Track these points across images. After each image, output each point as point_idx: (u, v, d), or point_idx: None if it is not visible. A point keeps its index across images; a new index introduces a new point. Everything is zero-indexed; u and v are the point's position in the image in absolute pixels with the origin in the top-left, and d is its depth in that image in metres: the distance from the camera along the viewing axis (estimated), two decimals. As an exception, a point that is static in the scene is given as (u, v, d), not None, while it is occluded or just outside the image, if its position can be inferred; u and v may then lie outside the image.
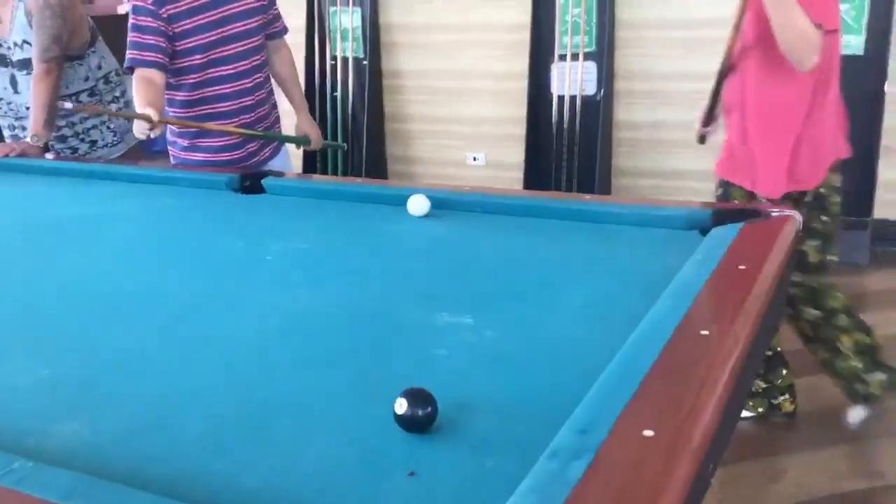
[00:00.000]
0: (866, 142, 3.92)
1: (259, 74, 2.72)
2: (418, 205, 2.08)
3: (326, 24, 5.10)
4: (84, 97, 3.15)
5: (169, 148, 2.80)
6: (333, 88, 5.12)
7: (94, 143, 3.20)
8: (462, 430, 1.05)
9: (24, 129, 3.11)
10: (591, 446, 0.87)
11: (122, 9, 6.86)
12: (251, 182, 2.40)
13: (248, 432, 1.06)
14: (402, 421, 1.06)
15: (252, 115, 2.69)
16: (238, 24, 2.60)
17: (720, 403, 1.00)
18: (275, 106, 2.85)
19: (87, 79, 3.14)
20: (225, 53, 2.59)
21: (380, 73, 5.04)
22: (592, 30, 4.48)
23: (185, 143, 2.72)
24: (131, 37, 2.50)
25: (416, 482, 0.93)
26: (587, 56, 4.50)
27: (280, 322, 1.45)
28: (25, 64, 3.03)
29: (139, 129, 2.34)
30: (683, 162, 4.39)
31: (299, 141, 2.91)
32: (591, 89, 4.53)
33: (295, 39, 5.24)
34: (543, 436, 0.95)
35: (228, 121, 2.63)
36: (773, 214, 1.74)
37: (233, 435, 1.06)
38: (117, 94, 3.25)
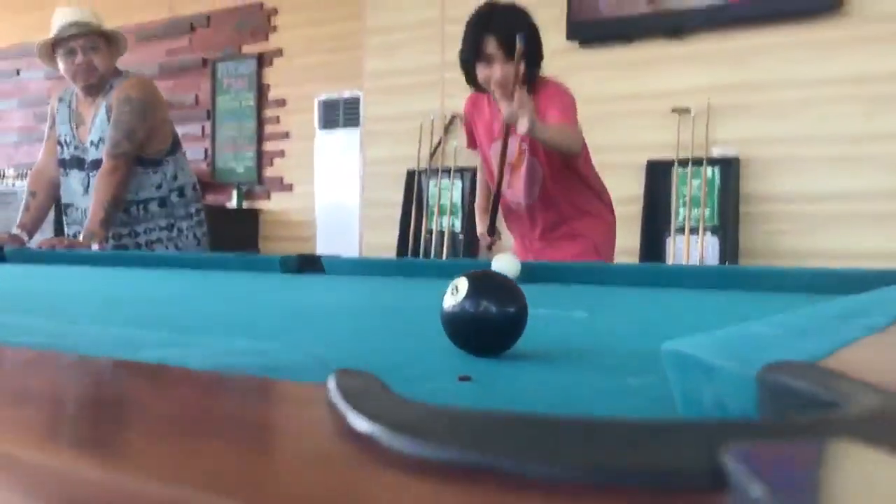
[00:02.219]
0: None
1: None
2: (503, 266, 1.60)
3: (425, 197, 4.91)
4: (153, 206, 2.89)
5: None
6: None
7: None
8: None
9: (90, 237, 2.84)
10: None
11: (231, 203, 7.03)
12: (310, 263, 2.00)
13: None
14: (455, 321, 0.55)
15: None
16: None
17: None
18: None
19: (159, 187, 2.90)
20: None
21: (476, 248, 4.73)
22: (714, 202, 4.09)
23: None
24: None
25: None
26: (708, 230, 4.08)
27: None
28: (98, 164, 2.83)
29: None
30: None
31: None
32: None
33: (391, 212, 5.10)
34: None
35: None
36: None
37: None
38: (192, 210, 2.98)
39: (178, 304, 1.17)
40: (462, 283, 0.57)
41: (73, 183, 2.92)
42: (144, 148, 2.81)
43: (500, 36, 2.26)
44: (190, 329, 0.83)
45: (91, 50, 2.78)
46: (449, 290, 0.58)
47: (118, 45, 2.86)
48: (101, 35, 2.80)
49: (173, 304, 1.18)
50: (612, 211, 2.61)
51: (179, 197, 2.94)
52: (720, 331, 0.33)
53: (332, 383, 0.23)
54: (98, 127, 2.82)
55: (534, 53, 2.29)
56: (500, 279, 0.58)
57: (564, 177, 2.43)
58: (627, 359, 0.62)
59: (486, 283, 0.57)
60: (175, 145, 2.95)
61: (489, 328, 0.56)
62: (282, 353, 0.29)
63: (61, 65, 2.83)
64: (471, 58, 2.32)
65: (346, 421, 0.21)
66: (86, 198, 2.87)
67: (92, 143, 2.84)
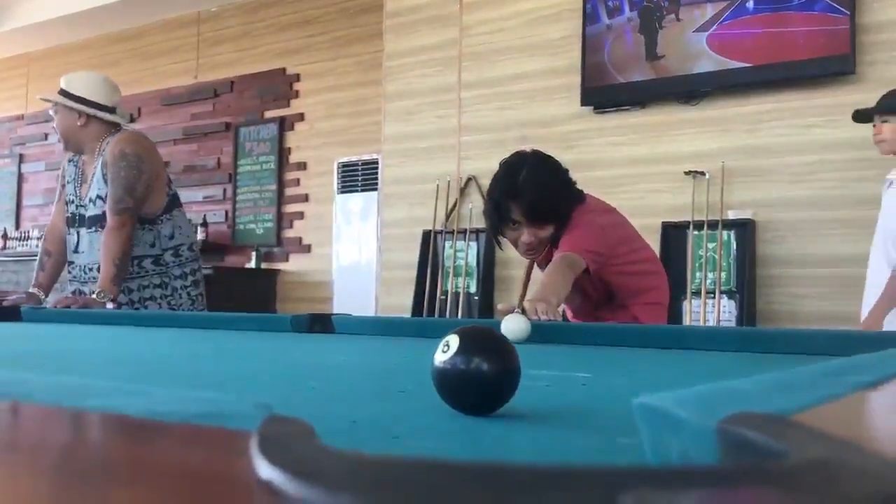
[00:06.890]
0: None
1: None
2: (513, 326, 1.58)
3: (440, 259, 4.92)
4: (147, 263, 2.87)
5: None
6: (442, 325, 4.80)
7: None
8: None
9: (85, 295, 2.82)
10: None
11: (250, 264, 7.07)
12: (321, 322, 1.99)
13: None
14: (445, 378, 0.54)
15: None
16: None
17: None
18: None
19: (153, 245, 2.85)
20: None
21: (491, 309, 4.71)
22: (730, 266, 4.06)
23: None
24: None
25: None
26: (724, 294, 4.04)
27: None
28: (94, 221, 2.81)
29: None
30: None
31: None
32: (729, 330, 3.99)
33: (407, 273, 5.11)
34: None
35: None
36: None
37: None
38: (187, 269, 2.92)
39: (165, 362, 1.16)
40: (453, 340, 0.56)
41: (71, 240, 2.94)
42: (142, 202, 2.79)
43: (525, 205, 2.22)
44: (154, 380, 0.81)
45: (54, 113, 2.90)
46: (440, 347, 0.57)
47: (76, 108, 2.86)
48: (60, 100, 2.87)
49: (161, 361, 1.17)
50: (661, 295, 2.47)
51: (174, 257, 2.89)
52: (699, 386, 0.32)
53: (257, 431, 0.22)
54: (96, 183, 2.83)
55: (560, 214, 2.26)
56: (492, 336, 0.57)
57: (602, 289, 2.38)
58: (622, 418, 0.60)
59: (477, 340, 0.56)
60: (172, 205, 2.92)
61: (479, 386, 0.54)
62: (229, 403, 0.28)
63: None
64: (497, 223, 2.30)
65: (255, 468, 0.20)
66: (78, 255, 2.88)
67: (90, 199, 2.85)
